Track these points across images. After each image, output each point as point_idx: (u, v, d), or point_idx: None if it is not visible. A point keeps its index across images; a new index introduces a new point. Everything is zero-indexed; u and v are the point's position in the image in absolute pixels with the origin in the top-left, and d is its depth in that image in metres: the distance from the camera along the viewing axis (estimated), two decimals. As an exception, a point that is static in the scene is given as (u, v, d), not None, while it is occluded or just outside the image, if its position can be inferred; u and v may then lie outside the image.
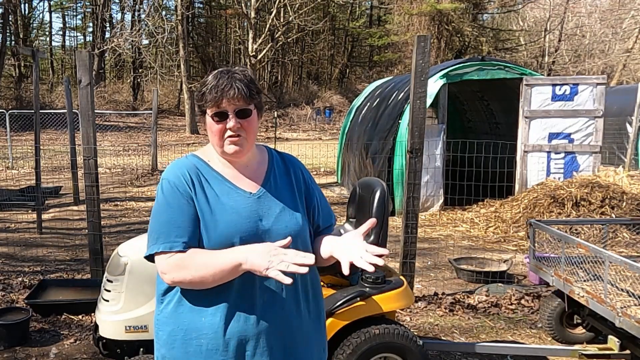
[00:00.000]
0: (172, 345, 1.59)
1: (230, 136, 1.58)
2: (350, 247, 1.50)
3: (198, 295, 1.56)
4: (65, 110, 10.07)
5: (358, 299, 2.83)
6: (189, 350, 1.56)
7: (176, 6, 23.92)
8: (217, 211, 1.57)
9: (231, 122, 1.57)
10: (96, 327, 3.00)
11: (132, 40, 22.75)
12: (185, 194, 1.57)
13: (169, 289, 1.61)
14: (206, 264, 1.50)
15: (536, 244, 3.90)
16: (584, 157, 8.09)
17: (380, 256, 1.44)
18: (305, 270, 1.38)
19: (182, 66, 23.73)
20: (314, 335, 1.70)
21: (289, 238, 1.48)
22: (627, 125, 10.21)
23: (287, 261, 1.38)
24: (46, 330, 4.00)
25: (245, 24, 26.93)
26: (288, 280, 1.36)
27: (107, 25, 32.75)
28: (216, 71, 1.63)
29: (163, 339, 1.62)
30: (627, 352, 3.32)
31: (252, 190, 1.64)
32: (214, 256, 1.51)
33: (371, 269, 1.42)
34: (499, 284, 4.95)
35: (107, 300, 2.92)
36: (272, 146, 1.88)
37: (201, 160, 1.67)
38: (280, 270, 1.37)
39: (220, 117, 1.57)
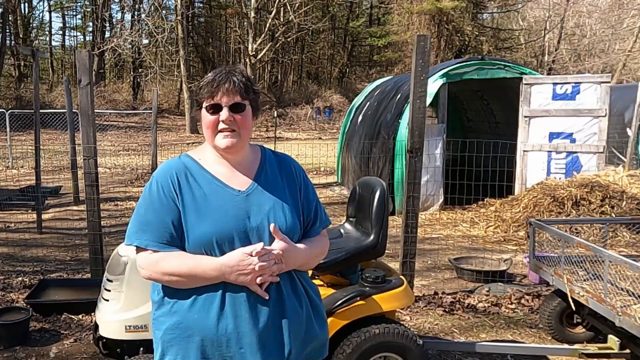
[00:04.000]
0: (170, 343, 1.62)
1: (222, 130, 1.61)
2: None
3: (193, 292, 1.59)
4: (65, 110, 10.06)
5: (358, 298, 2.83)
6: (186, 347, 1.59)
7: (176, 6, 23.90)
8: (204, 210, 1.60)
9: (224, 114, 1.60)
10: (96, 326, 3.00)
11: (132, 40, 22.75)
12: (169, 196, 1.62)
13: (164, 287, 1.64)
14: (187, 270, 1.56)
15: (536, 244, 3.90)
16: (587, 157, 7.98)
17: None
18: (273, 279, 1.58)
19: (182, 66, 23.72)
20: (311, 331, 1.71)
21: (272, 229, 1.59)
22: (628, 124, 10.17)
23: (254, 272, 1.54)
24: (46, 330, 4.00)
25: (245, 23, 26.92)
26: (266, 295, 1.58)
27: (107, 24, 32.75)
28: (216, 69, 1.70)
29: (160, 337, 1.64)
30: (627, 351, 3.32)
31: (242, 188, 1.66)
32: (196, 264, 1.56)
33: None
34: (499, 284, 4.95)
35: (107, 300, 2.92)
36: (272, 146, 1.90)
37: (192, 159, 1.71)
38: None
39: (214, 109, 1.62)
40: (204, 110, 1.65)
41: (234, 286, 1.57)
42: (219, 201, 1.62)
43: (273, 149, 1.87)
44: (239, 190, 1.65)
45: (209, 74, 1.68)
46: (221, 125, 1.61)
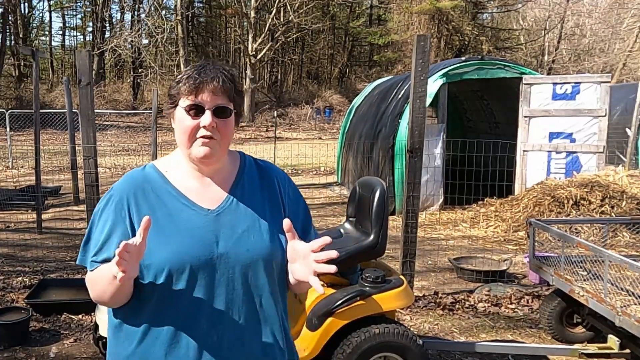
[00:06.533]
0: None
1: (202, 136, 1.37)
2: (300, 266, 1.31)
3: (142, 322, 1.39)
4: (65, 110, 10.07)
5: (358, 298, 2.83)
6: None
7: (176, 6, 23.92)
8: (165, 233, 1.36)
9: (207, 119, 1.35)
10: (96, 326, 3.00)
11: (132, 40, 22.76)
12: (121, 216, 1.40)
13: (116, 314, 1.46)
14: (95, 280, 1.40)
15: (536, 244, 3.90)
16: (587, 157, 7.98)
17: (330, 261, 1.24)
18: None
19: (182, 66, 23.76)
20: None
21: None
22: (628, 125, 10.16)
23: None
24: (46, 330, 4.00)
25: (245, 23, 26.93)
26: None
27: (107, 24, 32.75)
28: (198, 63, 1.45)
29: None
30: (627, 351, 3.32)
31: (211, 206, 1.41)
32: (95, 276, 1.41)
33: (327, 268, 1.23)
34: (499, 284, 4.95)
35: (107, 300, 2.91)
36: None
37: (158, 172, 1.48)
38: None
39: (196, 110, 1.36)
40: (180, 111, 1.38)
41: (185, 321, 1.36)
42: (184, 223, 1.37)
43: (255, 157, 1.60)
44: (208, 209, 1.40)
45: (188, 68, 1.41)
46: (201, 132, 1.36)
